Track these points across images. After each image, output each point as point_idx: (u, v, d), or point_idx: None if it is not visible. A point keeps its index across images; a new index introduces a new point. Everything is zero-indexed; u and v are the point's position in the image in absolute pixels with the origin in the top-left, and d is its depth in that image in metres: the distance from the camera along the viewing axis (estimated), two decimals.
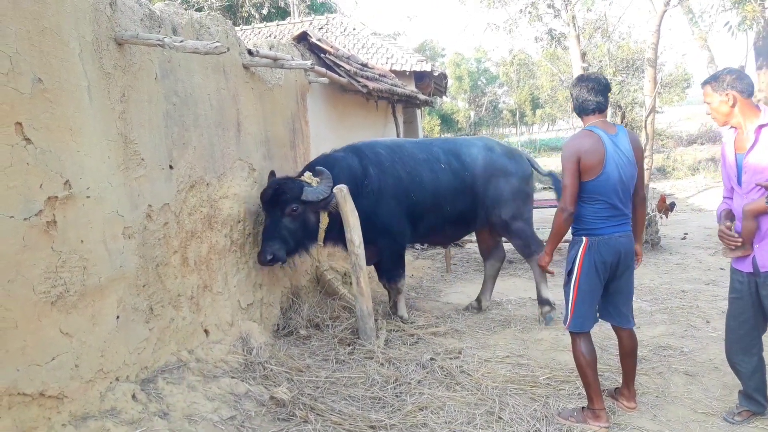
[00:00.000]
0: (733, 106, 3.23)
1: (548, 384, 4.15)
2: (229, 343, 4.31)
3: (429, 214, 5.74)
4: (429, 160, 5.79)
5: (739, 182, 3.30)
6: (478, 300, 6.31)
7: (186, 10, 4.59)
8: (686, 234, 10.49)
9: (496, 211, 5.89)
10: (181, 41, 3.49)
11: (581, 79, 3.61)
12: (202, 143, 4.29)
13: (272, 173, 5.34)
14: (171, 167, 3.91)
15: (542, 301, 5.83)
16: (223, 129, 4.59)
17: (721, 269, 7.65)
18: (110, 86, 3.37)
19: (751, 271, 3.30)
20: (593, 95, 3.50)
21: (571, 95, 3.62)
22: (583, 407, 3.63)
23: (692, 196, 15.79)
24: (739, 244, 3.28)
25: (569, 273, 3.58)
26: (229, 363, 4.08)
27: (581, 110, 3.57)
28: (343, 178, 5.20)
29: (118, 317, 3.31)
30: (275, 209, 4.92)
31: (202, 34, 4.42)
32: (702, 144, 26.60)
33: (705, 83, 3.35)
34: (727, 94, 3.22)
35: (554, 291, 6.65)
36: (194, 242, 4.11)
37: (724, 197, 3.56)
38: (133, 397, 3.23)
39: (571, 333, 3.65)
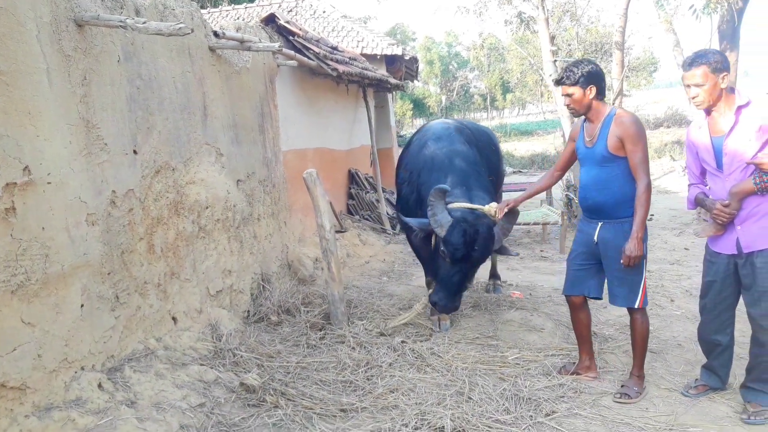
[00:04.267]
0: (725, 88, 3.18)
1: (517, 364, 4.21)
2: (198, 330, 4.27)
3: None
4: (488, 143, 5.73)
5: (720, 165, 3.27)
6: None
7: None
8: (652, 215, 10.68)
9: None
10: (144, 22, 3.41)
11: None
12: (167, 127, 4.20)
13: (441, 190, 4.28)
14: (135, 152, 3.83)
15: (495, 275, 6.36)
16: (189, 113, 4.50)
17: (686, 249, 7.83)
18: (70, 69, 3.28)
19: (735, 252, 3.29)
20: None
21: (600, 75, 3.62)
22: (638, 376, 3.75)
23: (658, 179, 16.07)
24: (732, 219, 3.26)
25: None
26: (198, 350, 4.04)
27: (604, 93, 3.67)
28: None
29: (82, 306, 3.25)
30: (475, 262, 4.45)
31: (167, 15, 4.31)
32: (668, 127, 27.09)
33: (698, 64, 3.17)
34: (723, 77, 3.16)
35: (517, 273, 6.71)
36: (160, 229, 4.04)
37: (692, 184, 3.55)
38: (99, 386, 3.18)
39: (644, 309, 3.70)
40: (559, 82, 3.73)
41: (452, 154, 4.79)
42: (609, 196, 3.60)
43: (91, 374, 3.21)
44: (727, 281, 3.40)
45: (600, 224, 3.68)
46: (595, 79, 3.59)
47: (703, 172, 3.50)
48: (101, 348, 3.38)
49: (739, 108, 3.17)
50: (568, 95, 3.64)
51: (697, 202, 3.50)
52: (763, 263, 3.20)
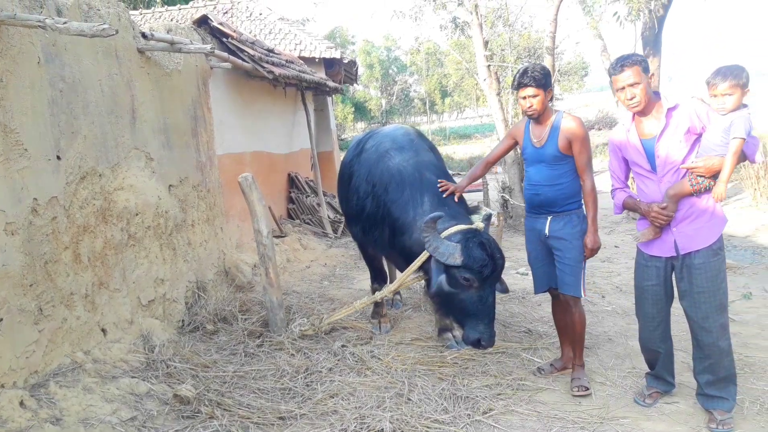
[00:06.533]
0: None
1: (455, 363, 4.26)
2: (129, 341, 4.12)
3: None
4: (435, 147, 5.25)
5: (653, 167, 3.28)
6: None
7: None
8: None
9: None
10: (65, 23, 3.27)
11: None
12: (93, 132, 4.05)
13: (433, 220, 3.90)
14: (59, 158, 3.67)
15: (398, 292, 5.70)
16: (116, 116, 4.35)
17: (616, 247, 8.15)
18: None
19: (673, 254, 3.27)
20: None
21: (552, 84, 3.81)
22: (581, 365, 3.90)
23: None
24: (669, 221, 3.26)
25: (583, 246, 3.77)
26: (129, 362, 3.90)
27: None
28: None
29: (1, 320, 3.08)
30: (500, 273, 4.01)
31: (91, 15, 4.16)
32: (599, 129, 28.19)
33: (630, 64, 3.16)
34: (650, 77, 3.24)
35: None
36: (87, 237, 3.88)
37: (618, 188, 3.56)
38: (21, 404, 3.03)
39: (580, 301, 3.86)
40: (523, 85, 3.67)
41: (421, 167, 4.42)
42: (560, 191, 3.75)
43: (12, 392, 3.04)
44: (665, 284, 3.40)
45: (549, 218, 3.81)
46: (550, 80, 3.76)
47: (627, 176, 3.55)
48: (23, 363, 3.21)
49: (669, 110, 3.20)
50: (533, 96, 3.66)
51: (627, 207, 3.50)
52: (701, 263, 3.20)
